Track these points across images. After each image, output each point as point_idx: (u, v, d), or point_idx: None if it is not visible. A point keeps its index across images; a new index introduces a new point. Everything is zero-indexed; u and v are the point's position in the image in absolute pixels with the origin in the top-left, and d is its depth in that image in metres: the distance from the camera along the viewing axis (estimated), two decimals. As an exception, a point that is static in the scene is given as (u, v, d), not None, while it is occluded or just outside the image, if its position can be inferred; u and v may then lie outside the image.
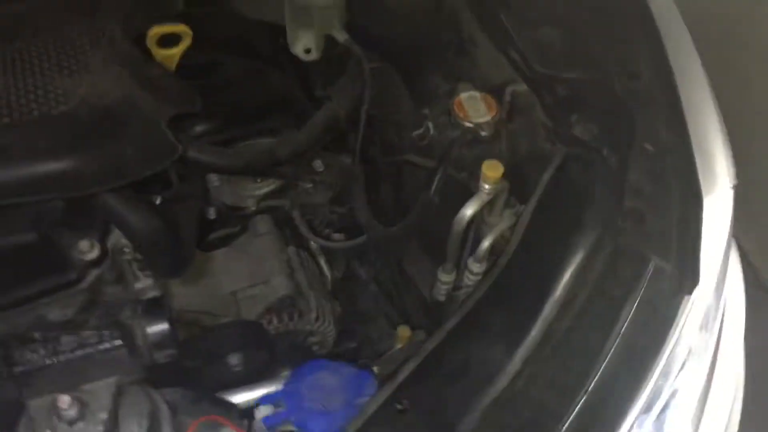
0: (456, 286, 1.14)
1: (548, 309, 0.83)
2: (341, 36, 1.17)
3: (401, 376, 0.82)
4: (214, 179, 1.18)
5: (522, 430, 0.77)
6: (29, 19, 0.96)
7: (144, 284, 1.04)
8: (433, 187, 1.02)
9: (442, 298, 1.18)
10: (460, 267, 1.11)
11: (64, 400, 0.83)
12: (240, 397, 1.04)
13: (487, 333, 0.86)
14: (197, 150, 0.97)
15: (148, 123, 0.91)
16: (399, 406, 0.78)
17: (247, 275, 1.22)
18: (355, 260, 1.46)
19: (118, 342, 0.87)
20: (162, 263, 0.99)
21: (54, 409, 0.83)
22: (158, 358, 0.91)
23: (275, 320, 1.21)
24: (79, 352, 0.86)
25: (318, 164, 1.21)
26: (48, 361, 0.85)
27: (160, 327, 0.90)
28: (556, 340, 0.82)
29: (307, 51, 1.18)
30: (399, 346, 1.16)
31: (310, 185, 1.22)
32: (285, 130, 1.13)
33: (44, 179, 0.86)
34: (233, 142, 1.10)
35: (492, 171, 0.96)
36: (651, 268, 0.83)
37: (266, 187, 1.20)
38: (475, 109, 1.00)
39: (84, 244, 0.94)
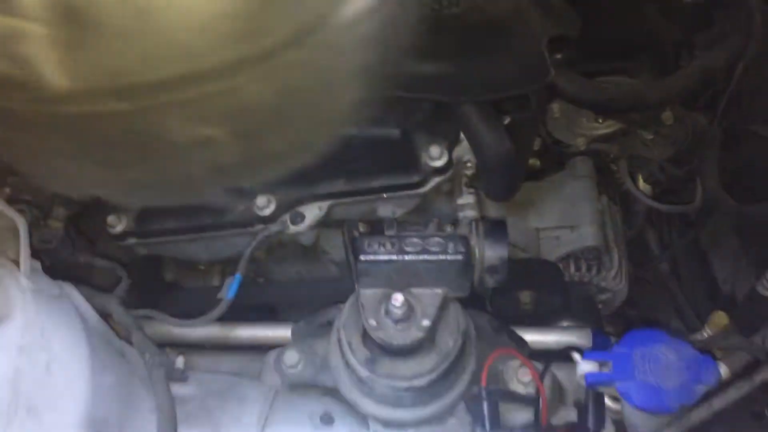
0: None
1: None
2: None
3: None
4: (555, 110, 1.12)
5: None
6: None
7: (465, 201, 1.03)
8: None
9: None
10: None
11: (398, 298, 0.83)
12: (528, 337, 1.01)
13: None
14: (566, 78, 0.91)
15: (531, 40, 0.86)
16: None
17: (556, 215, 1.16)
18: (650, 227, 1.36)
19: (458, 257, 0.86)
20: (499, 185, 0.96)
21: (385, 304, 0.85)
22: (488, 281, 0.90)
23: (574, 268, 1.15)
24: (421, 257, 0.85)
25: (668, 116, 1.10)
26: (391, 258, 0.86)
27: (500, 252, 0.88)
28: None
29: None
30: (708, 332, 1.05)
31: (651, 137, 1.11)
32: (644, 73, 1.03)
33: (421, 78, 0.85)
34: (591, 74, 1.03)
35: None
36: None
37: (604, 128, 1.12)
38: None
39: (435, 150, 0.94)
